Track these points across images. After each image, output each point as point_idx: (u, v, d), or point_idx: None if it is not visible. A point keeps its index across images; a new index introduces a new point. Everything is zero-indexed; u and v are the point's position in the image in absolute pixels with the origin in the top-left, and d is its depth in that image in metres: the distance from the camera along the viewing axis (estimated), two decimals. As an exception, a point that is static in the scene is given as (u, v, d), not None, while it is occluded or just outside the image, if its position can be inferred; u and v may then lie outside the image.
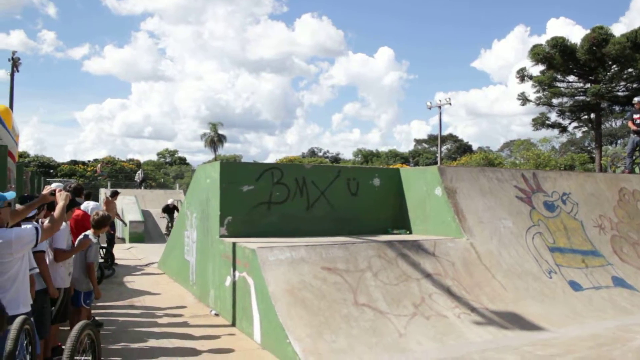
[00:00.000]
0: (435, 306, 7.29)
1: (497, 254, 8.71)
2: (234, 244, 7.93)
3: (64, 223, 5.79)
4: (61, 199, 4.90)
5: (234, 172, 8.97)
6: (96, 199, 10.59)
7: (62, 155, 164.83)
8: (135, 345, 6.94)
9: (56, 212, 4.81)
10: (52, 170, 54.41)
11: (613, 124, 61.54)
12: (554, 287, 8.62)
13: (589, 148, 57.76)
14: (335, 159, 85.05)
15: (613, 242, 10.45)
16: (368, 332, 6.50)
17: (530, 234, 9.43)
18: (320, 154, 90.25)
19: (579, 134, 54.57)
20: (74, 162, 59.54)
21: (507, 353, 6.39)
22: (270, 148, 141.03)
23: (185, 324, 8.08)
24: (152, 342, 7.08)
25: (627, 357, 6.35)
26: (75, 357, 4.32)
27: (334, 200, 9.51)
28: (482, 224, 9.11)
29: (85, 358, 4.59)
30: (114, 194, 14.21)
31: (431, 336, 6.71)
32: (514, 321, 7.43)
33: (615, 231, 10.76)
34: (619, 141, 60.43)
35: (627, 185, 12.01)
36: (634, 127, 13.72)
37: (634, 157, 13.88)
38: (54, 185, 5.32)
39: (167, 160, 79.13)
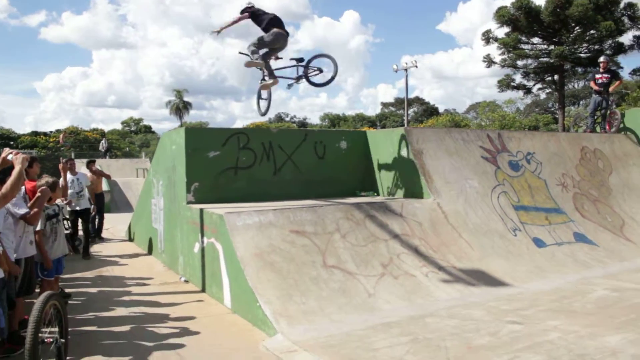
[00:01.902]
0: (403, 266, 7.39)
1: (463, 213, 8.84)
2: (201, 210, 7.86)
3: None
4: (18, 163, 4.50)
5: (199, 137, 8.84)
6: (57, 170, 10.22)
7: (22, 126, 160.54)
8: (105, 314, 6.89)
9: (12, 177, 4.43)
10: (12, 142, 52.81)
11: (576, 85, 62.55)
12: (519, 244, 8.82)
13: (552, 109, 58.71)
14: (303, 124, 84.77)
15: (575, 200, 10.71)
16: (337, 293, 6.57)
17: (495, 193, 9.58)
18: (287, 119, 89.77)
19: (543, 96, 55.40)
20: (35, 134, 57.84)
21: (474, 308, 6.55)
22: (236, 114, 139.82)
23: (154, 292, 8.04)
24: (122, 311, 7.03)
25: (586, 308, 6.57)
26: (41, 329, 4.23)
27: (301, 164, 9.47)
28: (448, 185, 9.21)
29: (52, 329, 4.49)
30: (91, 162, 13.76)
31: (400, 295, 6.82)
32: (480, 278, 7.60)
33: (577, 189, 11.02)
34: (581, 102, 61.51)
35: (588, 144, 12.26)
36: (595, 87, 13.91)
37: (595, 117, 14.11)
38: (7, 150, 4.97)
39: (132, 129, 77.73)
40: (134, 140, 67.18)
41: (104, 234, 13.66)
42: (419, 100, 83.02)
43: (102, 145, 36.10)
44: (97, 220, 13.22)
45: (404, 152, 9.41)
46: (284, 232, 7.15)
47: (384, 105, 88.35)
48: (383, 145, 10.00)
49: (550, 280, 7.93)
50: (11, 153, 4.67)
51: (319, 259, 6.99)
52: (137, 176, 26.98)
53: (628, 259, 9.32)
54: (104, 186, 20.72)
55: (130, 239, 12.96)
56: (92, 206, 12.27)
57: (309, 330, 5.77)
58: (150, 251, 10.96)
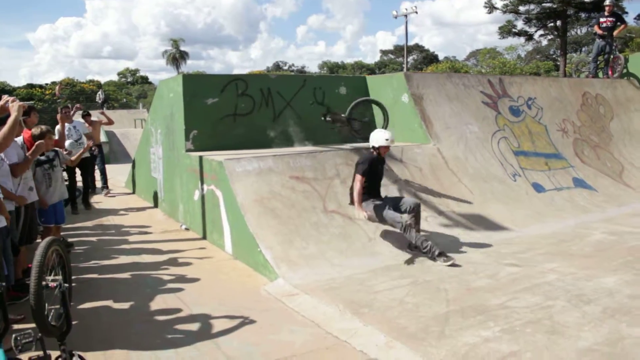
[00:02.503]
0: (403, 211, 7.39)
1: (463, 158, 8.81)
2: (200, 158, 7.82)
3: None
4: (14, 111, 4.40)
5: (197, 84, 8.71)
6: (54, 122, 9.98)
7: (17, 79, 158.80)
8: (106, 262, 6.93)
9: (7, 125, 4.33)
10: (7, 95, 52.23)
11: (578, 32, 61.48)
12: (518, 189, 8.83)
13: (554, 56, 57.91)
14: (301, 72, 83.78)
15: (575, 145, 10.67)
16: (338, 238, 6.60)
17: (495, 138, 9.52)
18: (286, 67, 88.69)
19: (544, 42, 54.55)
20: (30, 86, 57.08)
21: (473, 252, 6.61)
22: (234, 63, 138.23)
23: (155, 240, 8.09)
24: (123, 259, 7.08)
25: (584, 251, 6.63)
26: (44, 276, 4.21)
27: (301, 110, 9.36)
28: (448, 130, 9.15)
29: (54, 277, 4.47)
30: (87, 115, 13.39)
31: (400, 239, 6.86)
32: (480, 222, 7.65)
33: (578, 134, 10.96)
34: (583, 49, 60.62)
35: (590, 90, 12.13)
36: (599, 31, 13.65)
37: (598, 62, 13.91)
38: (6, 97, 4.89)
39: (129, 80, 76.82)
40: (131, 91, 66.55)
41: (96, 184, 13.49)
42: (418, 48, 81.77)
43: (99, 96, 35.68)
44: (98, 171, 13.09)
45: (404, 98, 9.30)
46: (284, 178, 7.13)
47: (383, 52, 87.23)
48: (383, 91, 9.87)
49: (548, 225, 7.98)
50: (9, 100, 4.57)
51: (320, 204, 6.99)
52: (135, 127, 26.86)
53: (626, 204, 9.37)
54: (102, 137, 20.68)
55: (133, 191, 12.94)
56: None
57: (310, 275, 5.82)
58: (156, 204, 10.83)
